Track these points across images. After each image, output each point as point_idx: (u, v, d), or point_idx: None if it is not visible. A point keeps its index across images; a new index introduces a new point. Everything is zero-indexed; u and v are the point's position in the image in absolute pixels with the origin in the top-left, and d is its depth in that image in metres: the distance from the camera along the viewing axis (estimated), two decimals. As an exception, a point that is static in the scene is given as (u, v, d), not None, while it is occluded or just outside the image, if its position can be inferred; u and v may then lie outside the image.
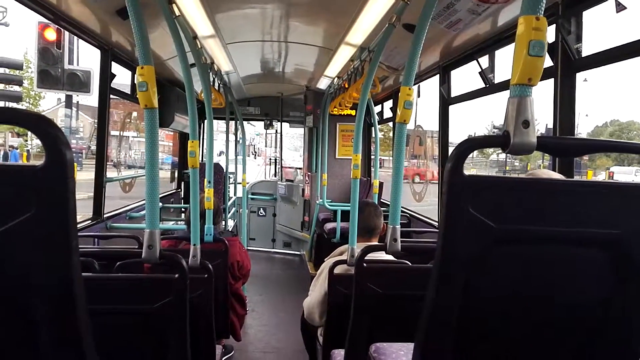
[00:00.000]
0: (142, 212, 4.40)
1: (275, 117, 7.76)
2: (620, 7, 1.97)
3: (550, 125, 2.46)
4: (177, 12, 2.57)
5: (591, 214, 0.97)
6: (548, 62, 2.35)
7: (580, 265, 1.00)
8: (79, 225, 3.32)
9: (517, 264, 0.99)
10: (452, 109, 3.89)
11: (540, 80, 0.97)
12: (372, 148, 6.80)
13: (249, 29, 3.86)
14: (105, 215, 3.75)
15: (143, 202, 4.46)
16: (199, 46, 3.34)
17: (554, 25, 2.28)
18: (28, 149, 23.07)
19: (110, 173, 4.00)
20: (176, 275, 1.65)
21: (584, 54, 2.25)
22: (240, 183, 6.03)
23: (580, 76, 2.34)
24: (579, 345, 1.06)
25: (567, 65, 2.27)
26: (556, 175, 1.54)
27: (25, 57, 19.67)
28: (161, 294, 1.62)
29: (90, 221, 3.58)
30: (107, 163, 3.75)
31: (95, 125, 3.75)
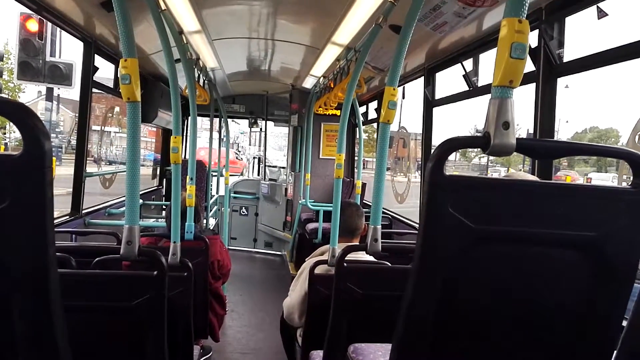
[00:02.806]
0: (122, 209, 4.34)
1: (260, 115, 7.73)
2: (601, 14, 2.01)
3: (531, 130, 2.49)
4: (163, 6, 2.54)
5: (568, 215, 0.98)
6: (530, 66, 2.39)
7: (559, 267, 1.02)
8: (56, 221, 3.26)
9: (496, 264, 1.00)
10: (436, 111, 3.92)
11: (522, 84, 0.98)
12: (356, 149, 6.82)
13: (236, 25, 3.85)
14: (83, 211, 3.69)
15: (123, 198, 4.40)
16: (185, 41, 3.31)
17: (537, 31, 2.32)
18: (6, 142, 22.61)
19: (90, 168, 3.94)
20: (155, 273, 1.63)
21: (565, 60, 2.29)
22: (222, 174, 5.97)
23: (561, 83, 2.38)
24: (558, 345, 1.07)
25: (549, 70, 2.31)
26: (531, 178, 1.57)
27: (5, 48, 19.25)
28: (139, 291, 1.60)
29: (68, 217, 3.52)
30: (87, 158, 3.69)
31: (76, 119, 3.69)
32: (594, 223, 0.98)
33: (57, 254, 0.90)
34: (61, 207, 3.57)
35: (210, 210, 5.97)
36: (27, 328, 0.89)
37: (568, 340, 1.07)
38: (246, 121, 8.18)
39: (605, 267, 1.00)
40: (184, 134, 6.40)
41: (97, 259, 2.01)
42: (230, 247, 6.95)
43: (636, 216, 0.99)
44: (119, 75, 1.72)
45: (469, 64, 3.27)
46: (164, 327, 1.61)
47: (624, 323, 1.07)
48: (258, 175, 9.44)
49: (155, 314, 1.60)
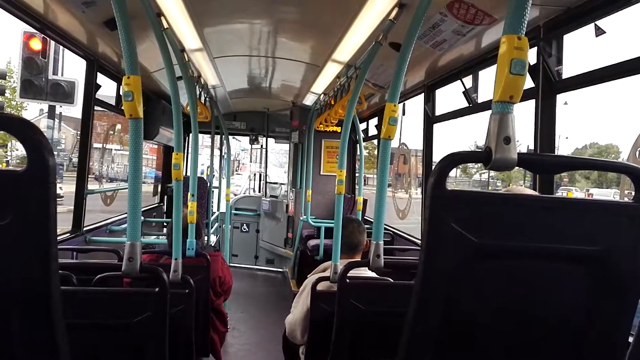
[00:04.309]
0: (123, 226, 4.33)
1: (260, 132, 7.76)
2: (599, 32, 2.03)
3: (532, 146, 2.50)
4: (165, 25, 2.58)
5: (571, 230, 0.98)
6: (530, 83, 2.41)
7: (561, 281, 1.01)
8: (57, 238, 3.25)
9: (499, 278, 1.00)
10: (436, 128, 3.94)
11: (522, 101, 0.99)
12: (356, 165, 6.83)
13: (237, 43, 3.89)
14: (85, 229, 3.68)
15: (124, 215, 4.39)
16: (186, 59, 3.35)
17: (536, 48, 2.34)
18: (7, 159, 22.69)
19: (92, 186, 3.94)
20: (156, 289, 1.62)
21: (564, 76, 2.31)
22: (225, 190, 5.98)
23: (560, 99, 2.40)
24: None
25: (548, 86, 2.32)
26: (531, 193, 1.57)
27: (8, 66, 19.43)
28: (140, 309, 1.59)
29: (69, 234, 3.51)
30: (89, 176, 3.70)
31: (78, 137, 3.71)
32: (596, 237, 0.98)
33: (59, 271, 0.90)
34: (61, 225, 3.57)
35: (212, 227, 5.96)
36: (29, 343, 0.88)
37: (572, 355, 1.06)
38: (247, 138, 8.21)
39: (609, 282, 1.00)
40: (186, 151, 6.42)
41: (98, 276, 2.00)
42: (231, 264, 6.91)
43: (639, 230, 0.99)
44: (121, 93, 1.74)
45: (468, 80, 3.29)
46: (165, 344, 1.60)
47: (630, 339, 1.06)
48: (259, 192, 9.45)
49: (156, 331, 1.59)
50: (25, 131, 0.84)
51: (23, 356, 0.89)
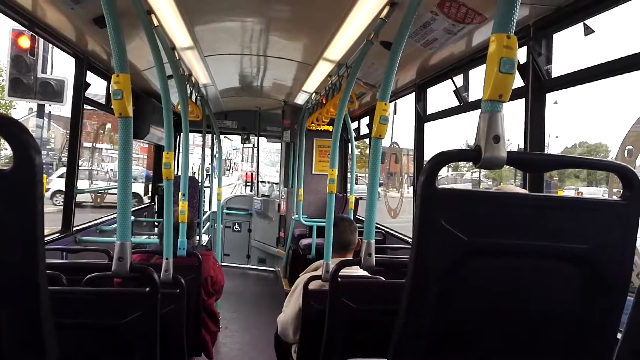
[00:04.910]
0: (114, 226, 4.30)
1: (252, 131, 7.74)
2: (588, 31, 2.05)
3: (522, 145, 2.52)
4: (155, 23, 2.57)
5: (560, 228, 0.99)
6: (519, 82, 2.42)
7: (551, 279, 1.02)
8: (46, 238, 3.22)
9: (489, 276, 1.00)
10: (428, 126, 3.95)
11: (512, 100, 1.00)
12: (348, 164, 6.84)
13: (228, 41, 3.87)
14: (74, 228, 3.65)
15: (114, 215, 4.37)
16: (177, 57, 3.33)
17: (526, 47, 2.36)
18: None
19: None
20: (147, 289, 1.61)
21: (554, 75, 2.32)
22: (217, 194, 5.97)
23: (550, 98, 2.42)
24: (552, 358, 1.07)
25: (538, 85, 2.34)
26: (521, 191, 1.59)
27: (-4, 65, 19.18)
28: (131, 308, 1.58)
29: (58, 234, 3.49)
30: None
31: (68, 136, 3.68)
32: (586, 235, 0.99)
33: (48, 271, 0.89)
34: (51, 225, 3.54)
35: (203, 227, 5.94)
36: (17, 344, 0.87)
37: (562, 353, 1.06)
38: (238, 137, 8.19)
39: (598, 280, 1.01)
40: (177, 150, 6.39)
41: (88, 276, 1.99)
42: (223, 264, 6.89)
43: (627, 228, 1.00)
44: (111, 91, 1.73)
45: (459, 79, 3.31)
46: (156, 344, 1.59)
47: (619, 336, 1.07)
48: (251, 191, 9.42)
49: (147, 331, 1.58)
50: (12, 130, 0.83)
51: (10, 356, 0.88)
